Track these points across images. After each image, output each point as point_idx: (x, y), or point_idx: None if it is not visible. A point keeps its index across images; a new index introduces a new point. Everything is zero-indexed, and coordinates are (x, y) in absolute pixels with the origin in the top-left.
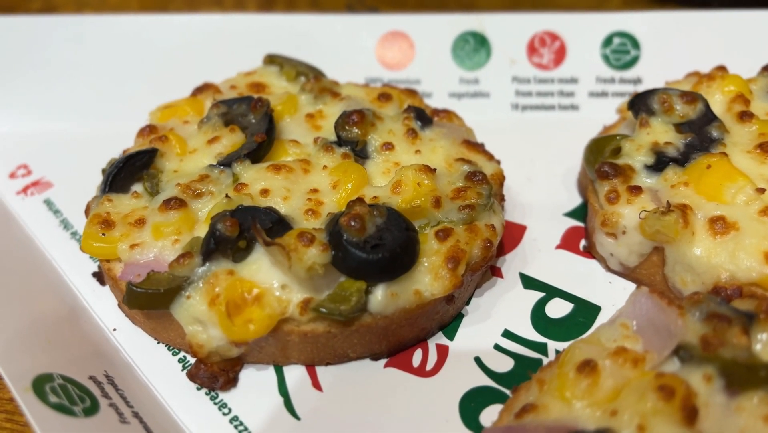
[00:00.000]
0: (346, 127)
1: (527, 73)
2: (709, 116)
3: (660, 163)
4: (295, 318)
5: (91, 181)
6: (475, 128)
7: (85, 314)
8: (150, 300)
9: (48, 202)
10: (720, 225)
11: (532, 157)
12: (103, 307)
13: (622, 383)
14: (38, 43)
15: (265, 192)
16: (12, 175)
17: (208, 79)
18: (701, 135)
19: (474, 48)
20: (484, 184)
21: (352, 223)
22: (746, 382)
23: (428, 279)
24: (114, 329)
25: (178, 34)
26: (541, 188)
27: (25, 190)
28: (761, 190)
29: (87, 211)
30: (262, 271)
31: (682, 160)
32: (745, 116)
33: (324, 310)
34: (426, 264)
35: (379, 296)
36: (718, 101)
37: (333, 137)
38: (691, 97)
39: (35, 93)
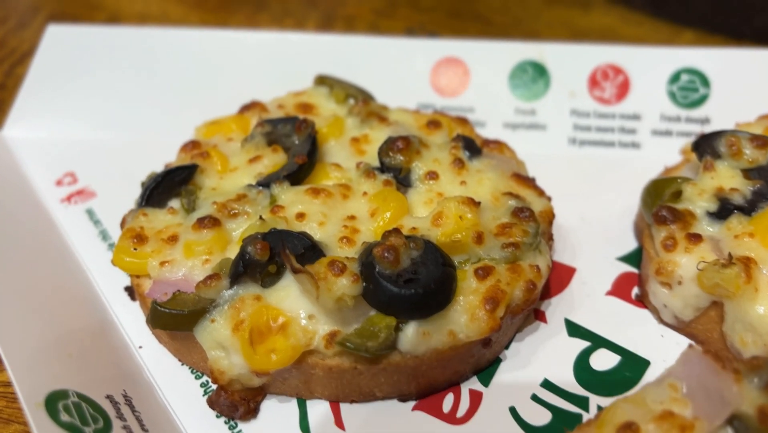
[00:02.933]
0: (390, 154)
1: (587, 107)
2: None
3: (723, 210)
4: (321, 351)
5: (133, 192)
6: (529, 161)
7: (113, 329)
8: (174, 321)
9: (89, 212)
10: None
11: (587, 195)
12: (132, 322)
13: None
14: (95, 54)
15: (300, 216)
16: (59, 183)
17: (259, 97)
18: None
19: (532, 78)
20: (531, 222)
21: (386, 254)
22: None
23: (464, 320)
24: (140, 347)
25: (233, 50)
26: (594, 229)
27: (69, 198)
28: None
29: (122, 224)
30: (290, 298)
31: (749, 208)
32: None
33: (350, 345)
34: (462, 303)
35: (410, 334)
36: None
37: (376, 163)
38: (762, 141)
39: (89, 102)
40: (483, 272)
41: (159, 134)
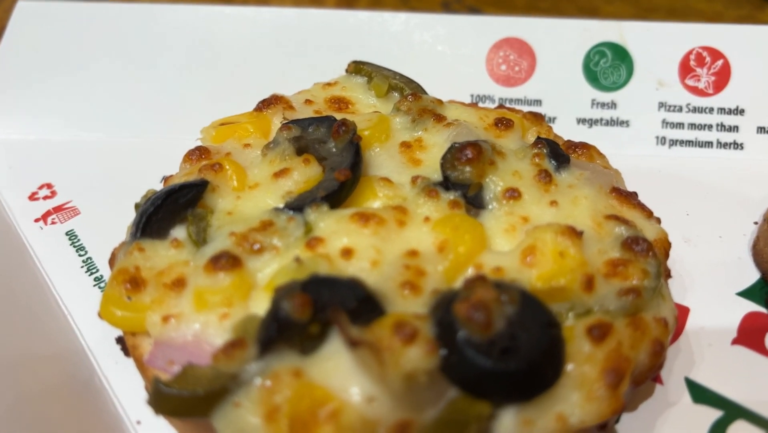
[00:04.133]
0: (457, 165)
1: (679, 99)
2: None
3: None
4: None
5: (124, 209)
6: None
7: (102, 398)
8: (185, 406)
9: (71, 235)
10: None
11: (687, 210)
12: (127, 388)
13: None
14: (74, 34)
15: (347, 253)
16: (33, 197)
17: (279, 88)
18: None
19: (612, 64)
20: (651, 258)
21: (474, 315)
22: None
23: (576, 398)
24: (138, 422)
25: (243, 30)
26: (703, 255)
27: (45, 216)
28: None
29: (111, 262)
30: (340, 372)
31: None
32: None
33: None
34: (573, 375)
35: (508, 424)
36: None
37: (437, 176)
38: None
39: (69, 97)
40: (599, 332)
41: (154, 135)
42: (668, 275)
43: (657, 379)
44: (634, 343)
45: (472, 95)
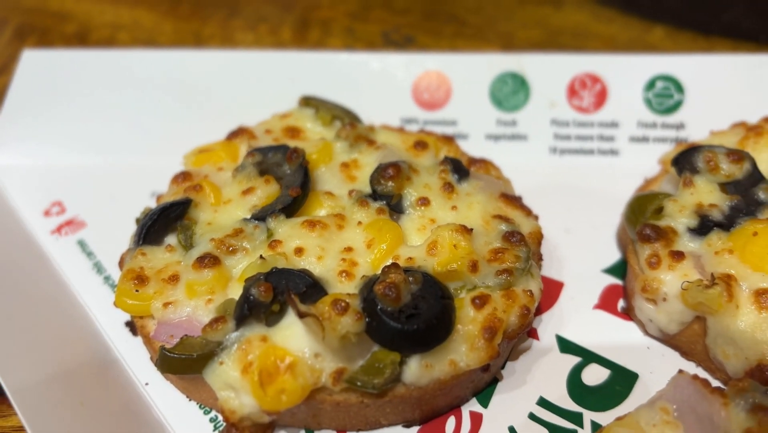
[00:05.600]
0: (382, 181)
1: (566, 116)
2: (756, 177)
3: (704, 227)
4: (328, 388)
5: (123, 221)
6: (512, 172)
7: (117, 367)
8: (183, 365)
9: (81, 243)
10: (766, 298)
11: (569, 206)
12: (136, 359)
13: None
14: (74, 76)
15: (299, 251)
16: (47, 213)
17: (242, 116)
18: (748, 197)
19: (513, 89)
20: (522, 247)
21: (388, 292)
22: None
23: (464, 349)
24: (146, 384)
25: (211, 69)
26: (579, 241)
27: (59, 229)
28: None
29: (121, 264)
30: (295, 337)
31: (727, 224)
32: None
33: (358, 383)
34: (461, 333)
35: (414, 368)
36: (765, 159)
37: (368, 189)
38: (737, 156)
39: (71, 128)
40: (480, 301)
41: (144, 158)
42: (540, 258)
43: (534, 336)
44: (506, 308)
45: (401, 118)
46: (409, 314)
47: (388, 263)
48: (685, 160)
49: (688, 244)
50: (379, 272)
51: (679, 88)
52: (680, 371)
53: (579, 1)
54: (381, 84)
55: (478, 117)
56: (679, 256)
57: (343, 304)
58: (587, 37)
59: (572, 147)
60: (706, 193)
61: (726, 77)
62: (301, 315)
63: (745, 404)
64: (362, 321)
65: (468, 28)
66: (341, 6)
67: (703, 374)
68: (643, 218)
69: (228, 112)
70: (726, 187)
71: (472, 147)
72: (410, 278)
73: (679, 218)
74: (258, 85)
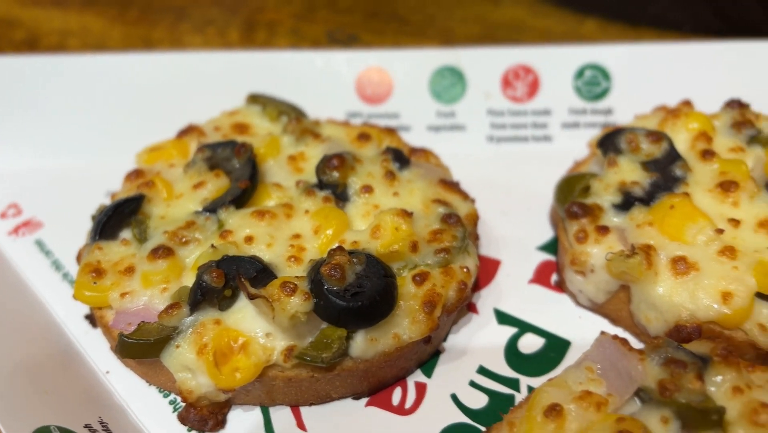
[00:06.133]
0: (327, 171)
1: (502, 106)
2: (673, 155)
3: (626, 202)
4: (280, 364)
5: (80, 220)
6: (452, 161)
7: (79, 358)
8: (141, 350)
9: (39, 243)
10: (681, 265)
11: (507, 189)
12: (96, 349)
13: (587, 425)
14: (25, 82)
15: (249, 239)
16: (3, 216)
17: (192, 116)
18: (666, 174)
19: (451, 82)
20: (459, 227)
21: (333, 272)
22: (700, 424)
23: (406, 323)
24: (107, 372)
25: (160, 72)
26: (515, 222)
27: (16, 230)
28: (720, 231)
29: (78, 259)
30: (247, 319)
31: (647, 199)
32: (707, 155)
33: (307, 358)
34: (404, 308)
35: (360, 342)
36: (682, 139)
37: (314, 179)
38: (656, 136)
39: (25, 132)
40: (420, 278)
41: (98, 159)
42: (476, 238)
43: (474, 310)
44: (444, 284)
45: (346, 113)
46: (353, 292)
47: (334, 247)
48: (609, 142)
49: (612, 219)
50: (326, 255)
51: (606, 76)
52: (602, 333)
53: None
54: (325, 81)
55: (418, 110)
56: (604, 230)
57: (291, 285)
58: (524, 30)
59: (508, 135)
60: (628, 171)
61: (649, 65)
62: (251, 297)
63: (660, 358)
64: (310, 301)
65: (409, 26)
66: (286, 8)
67: (630, 339)
68: (571, 197)
69: (179, 112)
70: (647, 165)
71: (414, 138)
72: (354, 259)
73: (604, 195)
74: (207, 85)
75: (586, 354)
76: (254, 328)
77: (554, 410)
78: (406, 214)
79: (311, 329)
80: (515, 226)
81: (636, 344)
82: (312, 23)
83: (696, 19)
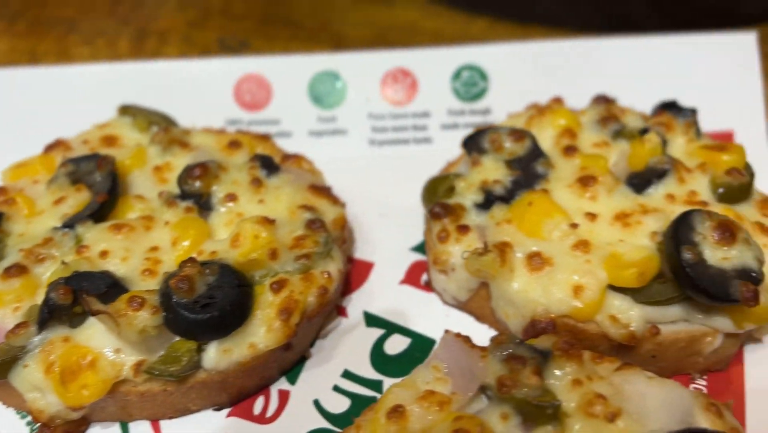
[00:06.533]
0: (189, 181)
1: (382, 110)
2: (536, 152)
3: (488, 201)
4: (131, 379)
5: None
6: (333, 166)
7: None
8: None
9: None
10: (537, 261)
11: (386, 192)
12: None
13: (429, 425)
14: None
15: (104, 254)
16: None
17: (67, 133)
18: (528, 172)
19: (330, 87)
20: (322, 232)
21: (181, 285)
22: (537, 418)
23: (262, 331)
24: None
25: (37, 87)
26: (391, 224)
27: None
28: (575, 226)
29: None
30: (97, 335)
31: (508, 197)
32: (570, 150)
33: (156, 372)
34: (260, 317)
35: (212, 353)
36: (548, 136)
37: (177, 190)
38: (519, 134)
39: None
40: (277, 286)
41: None
42: (344, 242)
43: (343, 314)
44: (303, 290)
45: (225, 120)
46: (204, 303)
47: (186, 259)
48: (473, 143)
49: (474, 218)
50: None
51: (484, 76)
52: (446, 331)
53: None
54: (203, 89)
55: (299, 115)
56: (464, 229)
57: (139, 300)
58: (416, 33)
59: (389, 138)
60: (492, 170)
61: (525, 64)
62: (94, 313)
63: (501, 355)
64: (159, 314)
65: (302, 31)
66: (180, 15)
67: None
68: (435, 198)
69: (53, 129)
70: (511, 164)
71: (295, 144)
72: (207, 270)
73: (467, 195)
74: (82, 100)
75: (434, 353)
76: (104, 344)
77: (397, 411)
78: (268, 222)
79: (163, 342)
80: (391, 228)
81: None
82: (204, 30)
83: (581, 17)
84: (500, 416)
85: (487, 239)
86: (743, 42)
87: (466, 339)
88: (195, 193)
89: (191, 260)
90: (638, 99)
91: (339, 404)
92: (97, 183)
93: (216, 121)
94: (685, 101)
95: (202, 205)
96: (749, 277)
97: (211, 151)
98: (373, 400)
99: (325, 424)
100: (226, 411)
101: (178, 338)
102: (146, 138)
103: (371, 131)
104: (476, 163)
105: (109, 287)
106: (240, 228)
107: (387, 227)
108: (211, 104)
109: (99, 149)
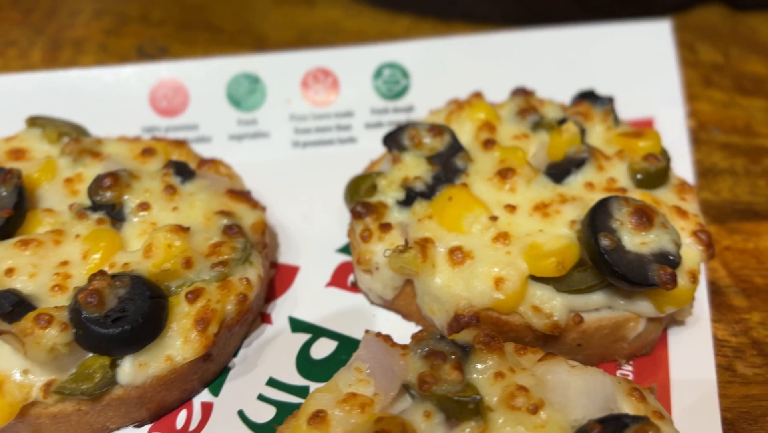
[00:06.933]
0: (99, 192)
1: (304, 111)
2: (455, 147)
3: (409, 198)
4: (41, 401)
5: None
6: (255, 170)
7: None
8: None
9: None
10: (458, 255)
11: (310, 194)
12: None
13: (351, 428)
14: None
15: (9, 271)
16: None
17: None
18: (448, 167)
19: (249, 89)
20: (240, 238)
21: (90, 299)
22: (459, 414)
23: (179, 343)
24: None
25: None
26: (315, 226)
27: None
28: (495, 218)
29: None
30: (4, 357)
31: (429, 193)
32: (489, 144)
33: (67, 391)
34: (176, 328)
35: (127, 369)
36: (467, 130)
37: (88, 202)
38: (437, 130)
39: None
40: (193, 295)
41: None
42: (264, 246)
43: (268, 321)
44: (221, 298)
45: (142, 128)
46: (115, 317)
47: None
48: (393, 140)
49: (396, 216)
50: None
51: (405, 74)
52: (367, 331)
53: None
54: (117, 97)
55: (218, 119)
56: (386, 227)
57: (47, 317)
58: (338, 32)
59: (313, 139)
60: (413, 167)
61: (445, 59)
62: None
63: (422, 352)
64: (68, 331)
65: (223, 35)
66: (96, 23)
67: None
68: (357, 197)
69: None
70: (431, 159)
71: (215, 149)
72: (117, 283)
73: (388, 192)
74: None
75: (356, 355)
76: (11, 365)
77: (318, 417)
78: (182, 230)
79: (75, 360)
80: (316, 230)
81: None
82: (122, 37)
83: (503, 11)
84: (423, 415)
85: (408, 236)
86: (658, 30)
87: (387, 338)
88: (106, 204)
89: (101, 272)
90: (559, 90)
91: (264, 413)
92: (2, 198)
93: (132, 130)
94: (605, 91)
95: (114, 216)
96: (667, 261)
97: (123, 159)
98: (298, 407)
99: None
100: (146, 427)
101: (91, 355)
102: (56, 149)
103: (294, 133)
104: (397, 160)
105: (15, 306)
106: (152, 238)
107: (312, 229)
108: (126, 112)
109: (5, 163)
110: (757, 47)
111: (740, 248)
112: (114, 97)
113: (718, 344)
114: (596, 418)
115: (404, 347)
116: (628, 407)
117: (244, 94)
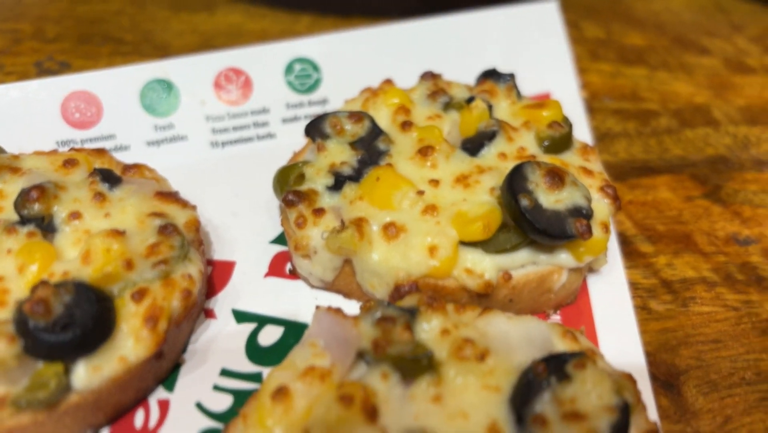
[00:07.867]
0: (27, 205)
1: (220, 111)
2: (376, 131)
3: (338, 182)
4: None
5: None
6: (176, 173)
7: None
8: None
9: None
10: (392, 230)
11: (236, 191)
12: None
13: (313, 399)
14: None
15: None
16: None
17: None
18: (371, 150)
19: (162, 95)
20: (177, 236)
21: (36, 308)
22: (414, 371)
23: (130, 343)
24: None
25: None
26: (245, 221)
27: None
28: (421, 193)
29: None
30: None
31: (357, 176)
32: (406, 125)
33: (22, 402)
34: (125, 329)
35: (81, 373)
36: (384, 115)
37: (15, 216)
38: (357, 116)
39: None
40: (138, 295)
41: None
42: (200, 243)
43: (212, 316)
44: (166, 296)
45: (56, 142)
46: (63, 324)
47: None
48: (315, 129)
49: (327, 200)
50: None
51: (316, 67)
52: (317, 307)
53: (231, 4)
54: (26, 112)
55: (134, 127)
56: (320, 212)
57: None
58: (241, 35)
59: (231, 138)
60: (337, 153)
61: (354, 51)
62: None
63: (372, 319)
64: (16, 343)
65: (124, 46)
66: None
67: None
68: (287, 186)
69: None
70: (354, 145)
71: (134, 156)
72: (61, 290)
73: (317, 179)
74: None
75: (308, 332)
76: None
77: (281, 392)
78: (118, 234)
79: (26, 371)
80: (246, 225)
81: None
82: (17, 56)
83: (400, 4)
84: (381, 377)
85: (343, 218)
86: (547, 11)
87: (338, 311)
88: (35, 217)
89: (43, 282)
90: (463, 72)
91: (222, 402)
92: None
93: (47, 144)
94: (504, 69)
95: (46, 227)
96: (581, 214)
97: (45, 172)
98: (255, 391)
99: (211, 423)
100: (106, 430)
101: (41, 364)
102: None
103: (211, 133)
104: (321, 148)
105: None
106: (89, 244)
107: (242, 224)
108: (37, 128)
109: None
110: (634, 22)
111: (641, 201)
112: (23, 114)
113: (633, 286)
114: (538, 359)
115: (354, 318)
116: (563, 347)
117: (158, 99)
